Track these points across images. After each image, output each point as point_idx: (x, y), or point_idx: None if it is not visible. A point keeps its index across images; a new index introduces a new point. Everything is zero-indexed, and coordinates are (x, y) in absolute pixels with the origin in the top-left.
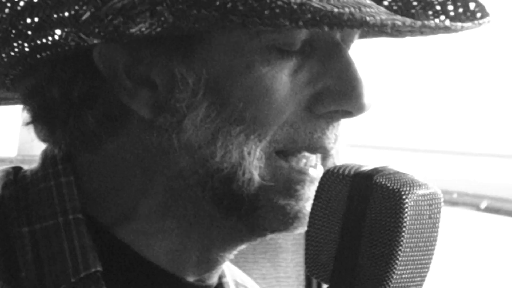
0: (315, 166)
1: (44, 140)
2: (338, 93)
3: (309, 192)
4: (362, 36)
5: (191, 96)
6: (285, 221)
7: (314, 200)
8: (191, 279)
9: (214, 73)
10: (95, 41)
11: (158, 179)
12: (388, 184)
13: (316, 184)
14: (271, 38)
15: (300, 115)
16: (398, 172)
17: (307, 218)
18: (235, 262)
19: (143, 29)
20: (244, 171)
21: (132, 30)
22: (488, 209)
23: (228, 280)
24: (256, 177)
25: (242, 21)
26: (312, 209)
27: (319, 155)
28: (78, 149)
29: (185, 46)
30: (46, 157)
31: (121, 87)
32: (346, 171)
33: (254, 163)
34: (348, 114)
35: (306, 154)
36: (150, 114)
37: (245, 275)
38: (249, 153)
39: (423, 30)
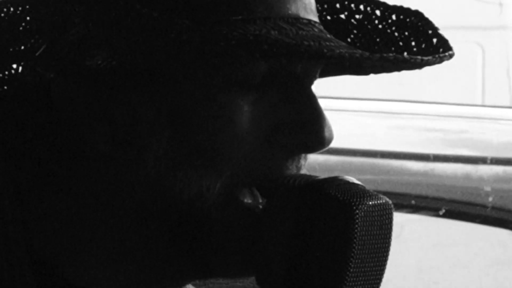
0: None
1: None
2: (296, 126)
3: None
4: (326, 73)
5: (152, 129)
6: (240, 265)
7: (263, 212)
8: None
9: (175, 106)
10: (52, 75)
11: (111, 214)
12: (338, 195)
13: None
14: (231, 71)
15: (259, 147)
16: (348, 183)
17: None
18: None
19: (99, 62)
20: (202, 206)
21: (88, 63)
22: (449, 214)
23: None
24: (213, 213)
25: (197, 52)
26: (262, 219)
27: None
28: (30, 184)
29: (144, 80)
30: None
31: (79, 121)
32: (296, 182)
33: (214, 199)
34: (306, 148)
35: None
36: (108, 148)
37: None
38: (208, 189)
39: (381, 64)
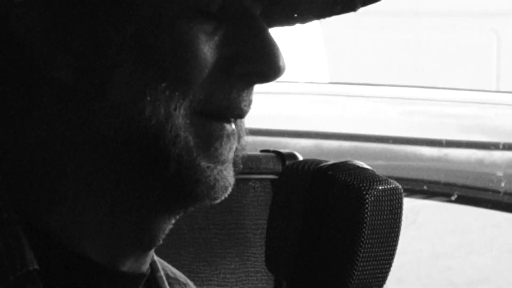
0: (230, 122)
1: None
2: (252, 55)
3: (226, 153)
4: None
5: (116, 54)
6: (207, 183)
7: (274, 196)
8: (124, 267)
9: (138, 31)
10: (12, 2)
11: (80, 151)
12: (348, 180)
13: (232, 141)
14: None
15: (216, 76)
16: (358, 168)
17: (225, 182)
18: (203, 257)
19: None
20: (171, 128)
21: None
22: (461, 200)
23: (162, 274)
24: (182, 134)
25: None
26: (272, 204)
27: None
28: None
29: (107, 4)
30: None
31: (40, 53)
32: (306, 167)
33: (180, 120)
34: (263, 77)
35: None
36: (71, 78)
37: (174, 268)
38: (174, 109)
39: None
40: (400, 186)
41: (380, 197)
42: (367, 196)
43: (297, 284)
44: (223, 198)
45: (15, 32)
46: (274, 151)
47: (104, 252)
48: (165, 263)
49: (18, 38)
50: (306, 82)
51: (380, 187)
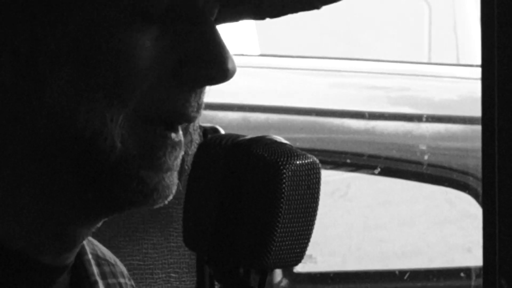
0: (176, 131)
1: None
2: (201, 59)
3: (170, 162)
4: (224, 18)
5: (53, 60)
6: (144, 193)
7: (191, 171)
8: (47, 260)
9: (77, 37)
10: None
11: (11, 148)
12: (266, 155)
13: (178, 150)
14: (132, 2)
15: (164, 82)
16: (276, 142)
17: (166, 191)
18: (125, 232)
19: None
20: (106, 138)
21: None
22: (385, 172)
23: (89, 257)
24: (118, 145)
25: None
26: (189, 180)
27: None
28: None
29: (47, 9)
30: None
31: None
32: (223, 142)
33: (117, 131)
34: (211, 80)
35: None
36: (9, 77)
37: (104, 248)
38: (111, 120)
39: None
40: (317, 161)
41: (298, 172)
42: (285, 171)
43: (216, 260)
44: (162, 204)
45: None
46: None
47: (27, 244)
48: (96, 242)
49: None
50: (235, 55)
51: (298, 162)
